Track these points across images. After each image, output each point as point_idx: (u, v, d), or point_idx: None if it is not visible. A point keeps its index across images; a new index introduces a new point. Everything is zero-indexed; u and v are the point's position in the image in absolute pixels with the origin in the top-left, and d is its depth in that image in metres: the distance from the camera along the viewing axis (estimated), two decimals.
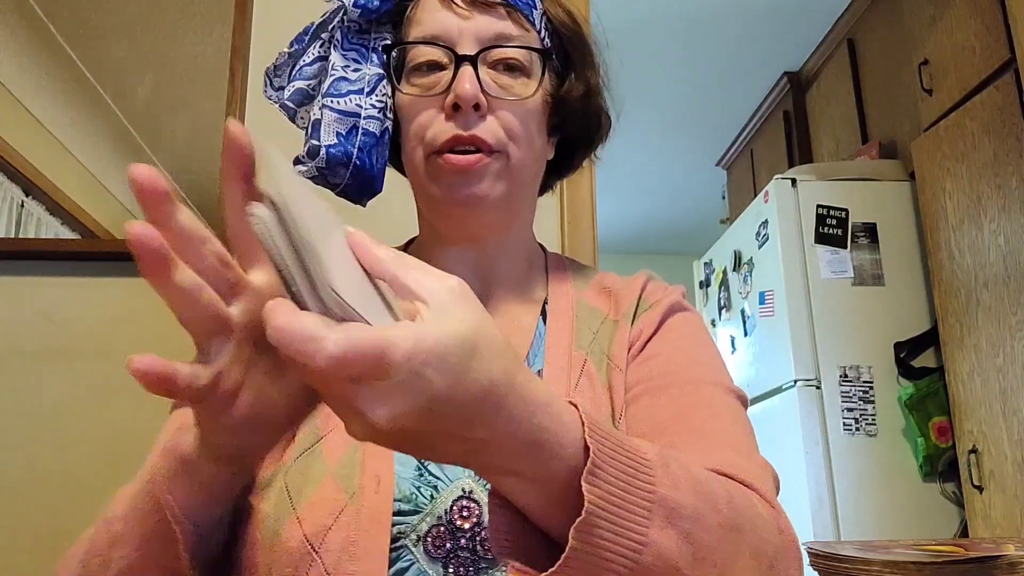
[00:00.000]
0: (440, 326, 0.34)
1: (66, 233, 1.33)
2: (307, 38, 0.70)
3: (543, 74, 0.66)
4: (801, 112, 3.38)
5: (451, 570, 0.55)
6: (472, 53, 0.63)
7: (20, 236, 1.30)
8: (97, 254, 1.30)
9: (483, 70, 0.64)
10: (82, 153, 1.34)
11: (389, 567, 0.54)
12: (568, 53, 0.71)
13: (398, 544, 0.55)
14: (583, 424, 0.40)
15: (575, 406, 0.41)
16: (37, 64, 1.36)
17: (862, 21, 2.91)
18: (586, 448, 0.39)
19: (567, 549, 0.38)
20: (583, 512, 0.38)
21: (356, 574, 0.53)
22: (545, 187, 0.78)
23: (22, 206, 1.31)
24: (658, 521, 0.40)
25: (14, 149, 1.31)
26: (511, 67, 0.65)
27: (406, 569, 0.55)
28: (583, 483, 0.38)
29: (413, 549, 0.56)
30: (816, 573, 0.45)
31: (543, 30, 0.68)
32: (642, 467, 0.41)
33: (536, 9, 0.68)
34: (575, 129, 0.73)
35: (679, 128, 3.90)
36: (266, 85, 0.72)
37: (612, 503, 0.39)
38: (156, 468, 0.45)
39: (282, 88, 0.71)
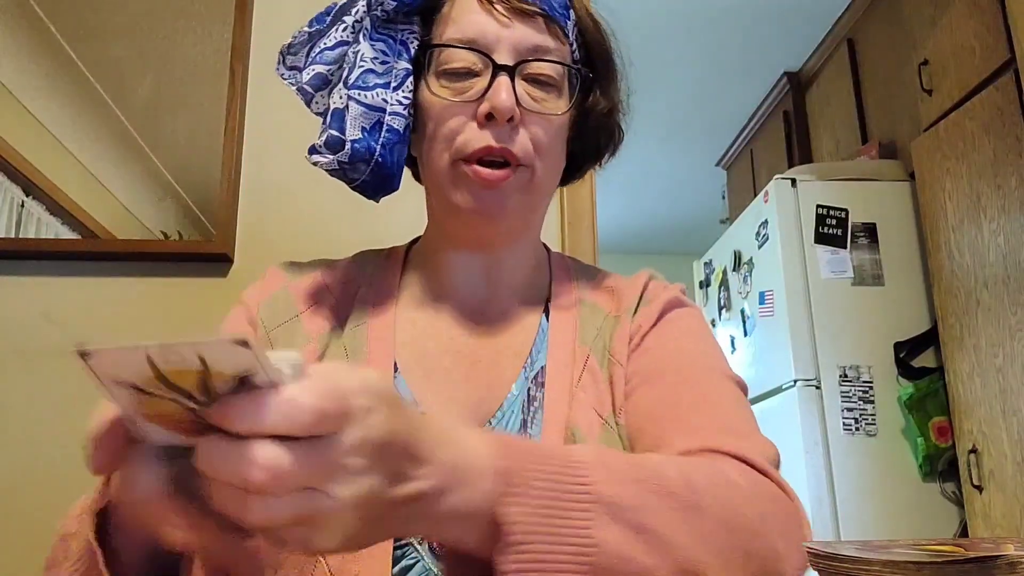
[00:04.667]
0: (352, 377, 0.34)
1: (66, 233, 1.33)
2: (329, 19, 0.67)
3: (574, 92, 0.66)
4: (801, 112, 3.38)
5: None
6: (511, 63, 0.62)
7: (20, 236, 1.30)
8: (97, 254, 1.31)
9: (518, 82, 0.62)
10: (82, 153, 1.34)
11: (394, 565, 0.54)
12: (595, 66, 0.70)
13: (403, 542, 0.55)
14: (497, 446, 0.40)
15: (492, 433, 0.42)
16: (37, 64, 1.36)
17: (862, 21, 2.91)
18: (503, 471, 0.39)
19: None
20: (505, 534, 0.38)
21: (361, 573, 0.53)
22: None
23: (22, 206, 1.31)
24: (601, 520, 0.40)
25: (14, 149, 1.31)
26: (544, 82, 0.64)
27: (411, 567, 0.55)
28: (497, 508, 0.38)
29: (418, 547, 0.56)
30: (816, 573, 0.45)
31: (574, 42, 0.68)
32: (573, 470, 0.41)
33: (569, 20, 0.67)
34: (590, 142, 0.73)
35: (679, 128, 3.90)
36: (279, 63, 0.69)
37: (545, 514, 0.39)
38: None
39: (296, 68, 0.68)
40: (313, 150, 0.65)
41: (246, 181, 1.35)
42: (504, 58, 0.62)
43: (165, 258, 1.31)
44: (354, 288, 0.70)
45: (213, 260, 1.31)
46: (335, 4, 0.67)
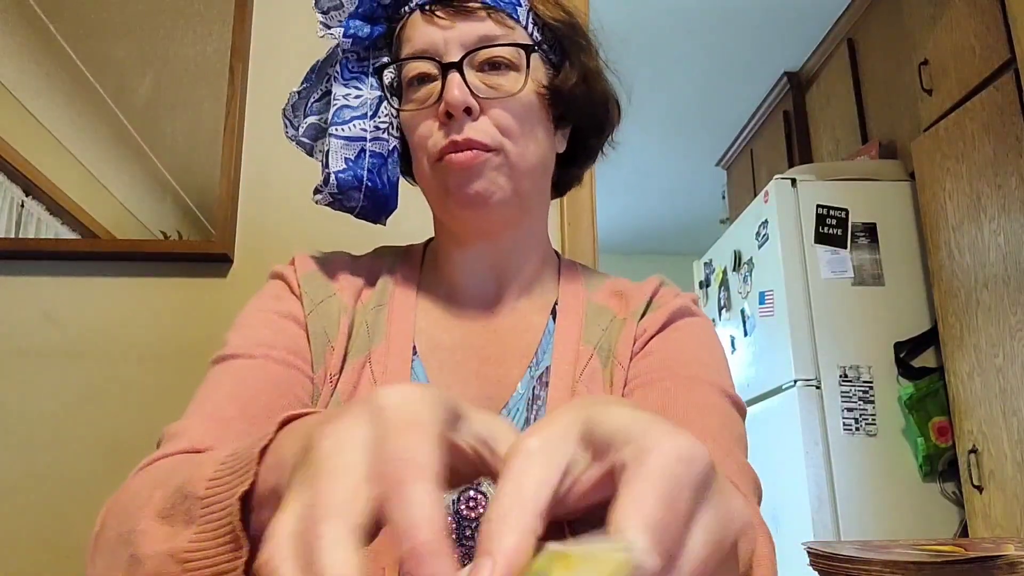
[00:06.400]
0: None
1: (66, 233, 1.33)
2: (315, 76, 0.72)
3: (529, 66, 0.67)
4: (801, 112, 3.38)
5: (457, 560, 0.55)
6: (456, 60, 0.64)
7: (20, 236, 1.30)
8: (97, 254, 1.31)
9: (471, 74, 0.64)
10: (82, 153, 1.34)
11: None
12: (561, 43, 0.71)
13: None
14: None
15: None
16: (37, 64, 1.36)
17: (862, 21, 2.91)
18: None
19: None
20: None
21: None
22: (571, 181, 0.80)
23: (22, 206, 1.31)
24: None
25: (14, 149, 1.31)
26: (497, 65, 0.66)
27: None
28: None
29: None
30: (816, 573, 0.45)
31: (530, 25, 0.69)
32: None
33: (520, 6, 0.68)
34: (581, 117, 0.74)
35: (679, 128, 3.90)
36: (286, 126, 0.75)
37: None
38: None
39: (300, 127, 0.74)
40: (316, 191, 0.71)
41: (246, 181, 1.35)
42: (452, 57, 0.64)
43: (165, 258, 1.31)
44: (375, 278, 0.73)
45: (213, 260, 1.31)
46: (318, 61, 0.73)
